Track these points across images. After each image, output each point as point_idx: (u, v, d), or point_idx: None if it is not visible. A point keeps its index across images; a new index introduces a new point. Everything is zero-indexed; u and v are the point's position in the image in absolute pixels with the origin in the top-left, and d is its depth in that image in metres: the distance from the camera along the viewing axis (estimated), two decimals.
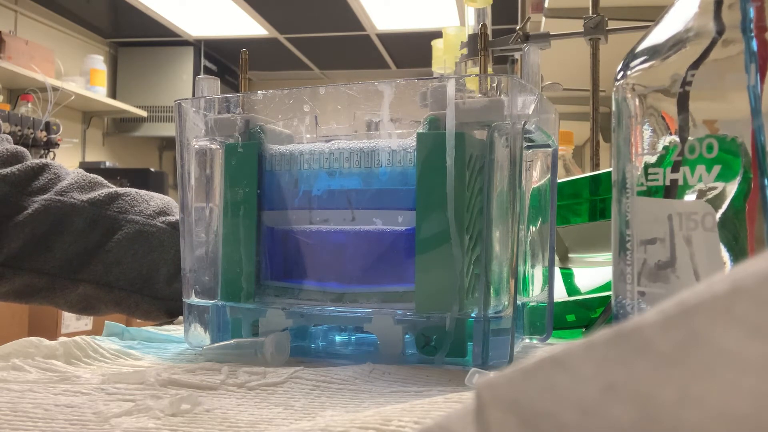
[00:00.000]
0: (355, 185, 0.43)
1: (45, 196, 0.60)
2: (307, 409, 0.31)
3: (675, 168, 0.28)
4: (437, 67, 1.47)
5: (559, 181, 0.57)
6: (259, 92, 0.46)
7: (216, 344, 0.44)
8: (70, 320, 2.15)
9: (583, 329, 0.51)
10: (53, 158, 2.75)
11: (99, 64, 3.51)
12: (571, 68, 1.68)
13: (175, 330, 0.54)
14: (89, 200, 0.61)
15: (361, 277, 0.43)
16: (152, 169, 3.52)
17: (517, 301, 0.41)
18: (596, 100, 1.14)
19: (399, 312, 0.41)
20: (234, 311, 0.45)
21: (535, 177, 0.48)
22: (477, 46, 0.88)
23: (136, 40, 3.93)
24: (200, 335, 0.47)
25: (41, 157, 1.89)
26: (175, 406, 0.30)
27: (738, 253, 0.27)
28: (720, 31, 0.27)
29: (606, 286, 0.56)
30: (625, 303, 0.30)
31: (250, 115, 0.46)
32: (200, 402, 0.31)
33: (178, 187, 0.49)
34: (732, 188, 0.27)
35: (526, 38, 1.18)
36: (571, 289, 0.60)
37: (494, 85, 0.41)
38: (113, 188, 0.64)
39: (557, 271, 0.59)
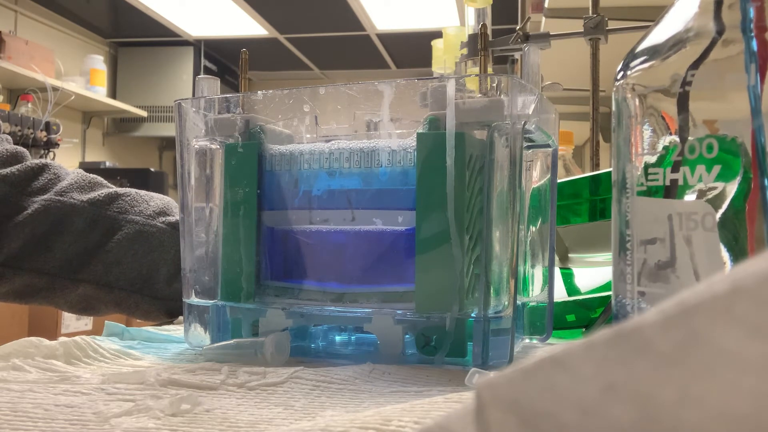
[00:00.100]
0: (355, 185, 0.43)
1: (45, 197, 0.60)
2: (307, 409, 0.31)
3: (675, 168, 0.28)
4: (437, 67, 1.47)
5: (559, 181, 0.57)
6: (259, 92, 0.46)
7: (216, 344, 0.44)
8: (70, 320, 2.15)
9: (583, 329, 0.51)
10: (53, 158, 2.75)
11: (99, 64, 3.51)
12: (571, 68, 1.68)
13: (175, 330, 0.54)
14: (89, 200, 0.61)
15: (361, 277, 0.43)
16: (152, 169, 3.52)
17: (517, 301, 0.41)
18: (596, 100, 1.14)
19: (399, 312, 0.41)
20: (234, 311, 0.45)
21: (535, 177, 0.48)
22: (477, 46, 0.88)
23: (136, 40, 3.93)
24: (200, 335, 0.47)
25: (41, 157, 1.89)
26: (175, 406, 0.30)
27: (738, 253, 0.27)
28: (720, 31, 0.27)
29: (606, 286, 0.56)
30: (625, 303, 0.30)
31: (250, 115, 0.46)
32: (200, 402, 0.31)
33: (178, 187, 0.49)
34: (732, 188, 0.27)
35: (526, 38, 1.18)
36: (571, 289, 0.60)
37: (494, 85, 0.41)
38: (113, 188, 0.64)
39: (557, 271, 0.59)
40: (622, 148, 0.31)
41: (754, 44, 0.26)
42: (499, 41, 1.22)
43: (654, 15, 0.32)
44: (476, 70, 1.24)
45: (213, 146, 0.48)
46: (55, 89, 2.83)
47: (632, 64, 0.30)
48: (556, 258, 0.61)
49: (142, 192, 0.65)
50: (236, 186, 0.46)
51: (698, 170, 0.27)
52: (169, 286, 0.61)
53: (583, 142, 2.47)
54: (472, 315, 0.40)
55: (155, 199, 0.64)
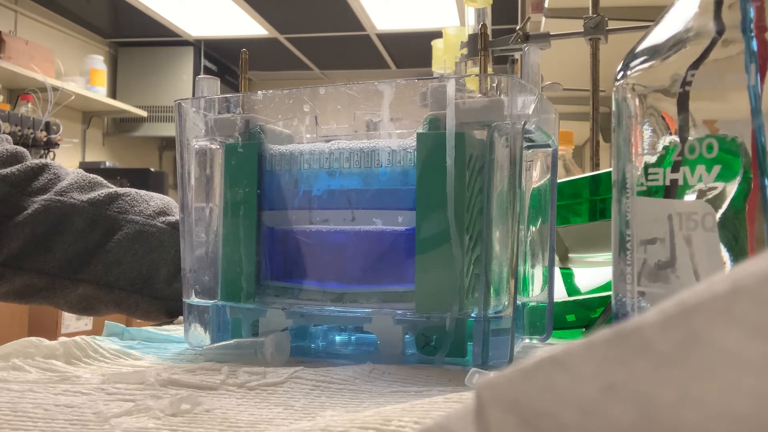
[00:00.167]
0: (355, 185, 0.43)
1: (45, 197, 0.60)
2: (307, 409, 0.31)
3: (675, 168, 0.28)
4: (437, 67, 1.47)
5: (559, 181, 0.57)
6: (259, 92, 0.46)
7: (216, 344, 0.44)
8: (70, 320, 2.15)
9: (583, 329, 0.51)
10: (53, 158, 2.75)
11: (99, 64, 3.51)
12: (571, 68, 1.68)
13: (175, 330, 0.54)
14: (89, 200, 0.61)
15: (361, 277, 0.43)
16: (152, 169, 3.52)
17: (517, 301, 0.41)
18: (596, 100, 1.14)
19: (399, 312, 0.41)
20: (234, 311, 0.45)
21: (535, 177, 0.48)
22: (477, 46, 0.88)
23: (136, 40, 3.93)
24: (200, 335, 0.47)
25: (41, 157, 1.89)
26: (175, 406, 0.30)
27: (738, 253, 0.27)
28: (720, 31, 0.27)
29: (606, 286, 0.56)
30: (625, 303, 0.30)
31: (250, 115, 0.46)
32: (200, 402, 0.31)
33: (178, 187, 0.49)
34: (732, 188, 0.27)
35: (526, 38, 1.18)
36: (571, 289, 0.60)
37: (494, 85, 0.41)
38: (113, 188, 0.64)
39: (557, 271, 0.59)
40: (622, 148, 0.31)
41: (754, 44, 0.26)
42: (499, 41, 1.22)
43: (654, 15, 0.32)
44: (476, 70, 1.24)
45: (213, 146, 0.48)
46: (55, 89, 2.83)
47: (632, 64, 0.30)
48: (556, 258, 0.61)
49: (142, 192, 0.65)
50: (236, 186, 0.46)
51: (698, 170, 0.27)
52: (169, 286, 0.61)
53: (583, 142, 2.47)
54: (472, 315, 0.40)
55: (155, 199, 0.64)
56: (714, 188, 0.27)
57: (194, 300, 0.47)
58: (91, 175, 0.64)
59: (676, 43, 0.28)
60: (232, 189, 0.46)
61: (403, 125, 0.43)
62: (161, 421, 0.29)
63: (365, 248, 0.43)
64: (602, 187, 0.61)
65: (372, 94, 0.43)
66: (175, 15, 3.54)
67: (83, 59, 3.52)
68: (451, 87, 0.41)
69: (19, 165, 0.61)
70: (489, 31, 0.47)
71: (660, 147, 0.29)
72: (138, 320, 0.64)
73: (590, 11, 1.13)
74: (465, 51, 1.26)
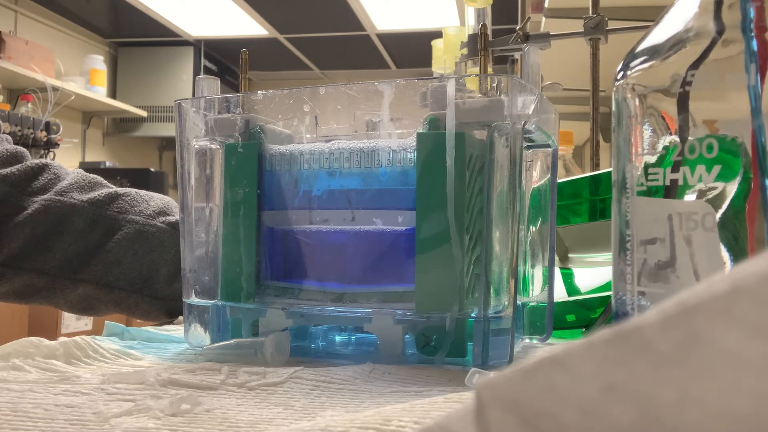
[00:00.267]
0: (355, 185, 0.43)
1: (45, 196, 0.60)
2: (307, 409, 0.31)
3: (675, 168, 0.28)
4: (437, 67, 1.47)
5: (559, 181, 0.57)
6: (259, 92, 0.46)
7: (216, 344, 0.44)
8: (70, 320, 2.15)
9: (583, 329, 0.51)
10: (53, 158, 2.75)
11: (99, 64, 3.51)
12: (571, 68, 1.68)
13: (175, 330, 0.54)
14: (89, 200, 0.61)
15: (361, 277, 0.43)
16: (152, 169, 3.52)
17: (517, 301, 0.41)
18: (596, 100, 1.14)
19: (399, 312, 0.41)
20: (234, 311, 0.45)
21: (535, 177, 0.48)
22: (477, 46, 0.88)
23: (136, 40, 3.93)
24: (200, 335, 0.47)
25: (41, 157, 1.89)
26: (175, 406, 0.30)
27: (738, 253, 0.27)
28: (720, 31, 0.27)
29: (606, 286, 0.56)
30: (625, 303, 0.30)
31: (250, 115, 0.46)
32: (200, 402, 0.31)
33: (178, 187, 0.49)
34: (732, 188, 0.27)
35: (526, 38, 1.18)
36: (571, 289, 0.60)
37: (494, 85, 0.41)
38: (113, 188, 0.64)
39: (557, 271, 0.59)
40: (622, 148, 0.31)
41: (754, 44, 0.26)
42: (499, 41, 1.22)
43: (654, 15, 0.32)
44: (476, 70, 1.24)
45: (213, 146, 0.48)
46: (55, 89, 2.83)
47: (632, 64, 0.30)
48: (556, 258, 0.61)
49: (142, 192, 0.65)
50: (236, 186, 0.46)
51: (698, 170, 0.27)
52: (169, 286, 0.61)
53: (583, 142, 2.47)
54: (472, 315, 0.40)
55: (155, 199, 0.64)
56: (714, 188, 0.27)
57: (194, 300, 0.47)
58: (91, 175, 0.64)
59: (676, 43, 0.28)
60: (232, 189, 0.46)
61: (403, 125, 0.43)
62: (161, 421, 0.29)
63: (365, 248, 0.43)
64: (602, 187, 0.61)
65: (372, 94, 0.43)
66: (175, 15, 3.54)
67: (83, 59, 3.53)
68: (451, 87, 0.41)
69: (19, 165, 0.61)
70: (489, 31, 0.47)
71: (660, 147, 0.29)
72: (138, 320, 0.64)
73: (590, 11, 1.13)
74: (465, 51, 1.26)
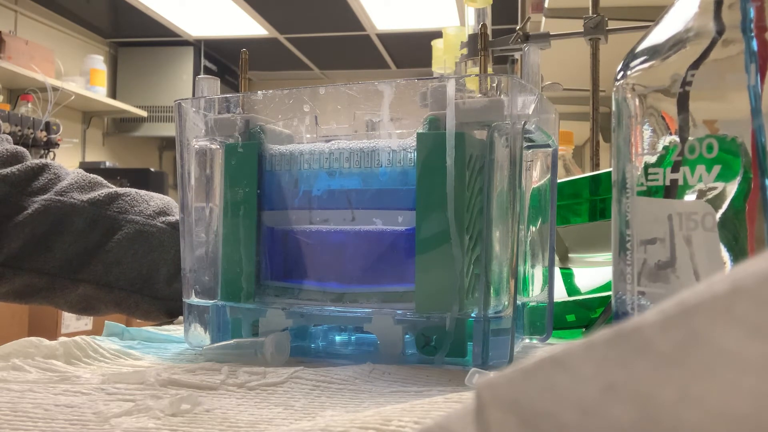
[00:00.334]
0: (355, 185, 0.43)
1: (45, 196, 0.60)
2: (307, 409, 0.31)
3: (675, 168, 0.28)
4: (437, 67, 1.47)
5: (559, 181, 0.57)
6: (259, 92, 0.46)
7: (216, 344, 0.44)
8: (70, 320, 2.15)
9: (583, 329, 0.51)
10: (53, 158, 2.75)
11: (99, 64, 3.51)
12: (571, 68, 1.68)
13: (175, 330, 0.54)
14: (89, 200, 0.61)
15: (361, 277, 0.43)
16: (152, 169, 3.52)
17: (517, 301, 0.41)
18: (596, 100, 1.14)
19: (399, 312, 0.41)
20: (234, 311, 0.45)
21: (535, 177, 0.48)
22: (477, 46, 0.88)
23: (136, 40, 3.93)
24: (200, 335, 0.47)
25: (41, 157, 1.90)
26: (175, 406, 0.30)
27: (738, 253, 0.27)
28: (720, 31, 0.27)
29: (606, 286, 0.56)
30: (625, 303, 0.30)
31: (250, 115, 0.46)
32: (200, 402, 0.31)
33: (178, 187, 0.49)
34: (732, 188, 0.27)
35: (526, 38, 1.18)
36: (571, 289, 0.60)
37: (494, 85, 0.41)
38: (113, 188, 0.64)
39: (557, 271, 0.59)
40: (622, 148, 0.31)
41: (754, 44, 0.26)
42: (499, 41, 1.22)
43: (654, 15, 0.32)
44: (476, 70, 1.24)
45: (213, 146, 0.48)
46: (55, 89, 2.83)
47: (632, 64, 0.30)
48: (556, 258, 0.61)
49: (142, 192, 0.65)
50: (236, 186, 0.46)
51: (698, 170, 0.27)
52: (169, 286, 0.61)
53: (583, 142, 2.47)
54: (472, 315, 0.40)
55: (155, 199, 0.64)
56: (714, 188, 0.27)
57: (194, 300, 0.47)
58: (91, 175, 0.64)
59: (676, 43, 0.28)
60: (232, 189, 0.46)
61: (403, 125, 0.43)
62: (161, 421, 0.29)
63: (365, 248, 0.43)
64: (602, 187, 0.61)
65: (372, 94, 0.43)
66: (175, 15, 3.54)
67: (83, 59, 3.53)
68: (451, 87, 0.41)
69: (20, 165, 0.61)
70: (489, 31, 0.47)
71: (660, 147, 0.29)
72: (138, 320, 0.64)
73: (590, 11, 1.13)
74: (465, 51, 1.26)
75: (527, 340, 0.48)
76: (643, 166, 0.29)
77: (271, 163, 0.46)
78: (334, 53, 4.18)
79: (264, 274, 0.45)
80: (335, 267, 0.44)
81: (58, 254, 0.60)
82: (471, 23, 1.28)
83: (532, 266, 0.48)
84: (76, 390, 0.34)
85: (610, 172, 0.53)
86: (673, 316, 0.12)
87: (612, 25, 1.14)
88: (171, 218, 0.62)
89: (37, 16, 3.35)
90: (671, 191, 0.28)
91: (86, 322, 2.19)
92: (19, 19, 3.24)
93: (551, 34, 1.19)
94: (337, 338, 0.45)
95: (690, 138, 0.28)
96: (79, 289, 0.60)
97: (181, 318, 0.55)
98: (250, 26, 3.67)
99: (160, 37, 3.87)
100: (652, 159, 0.29)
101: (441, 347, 0.40)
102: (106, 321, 0.52)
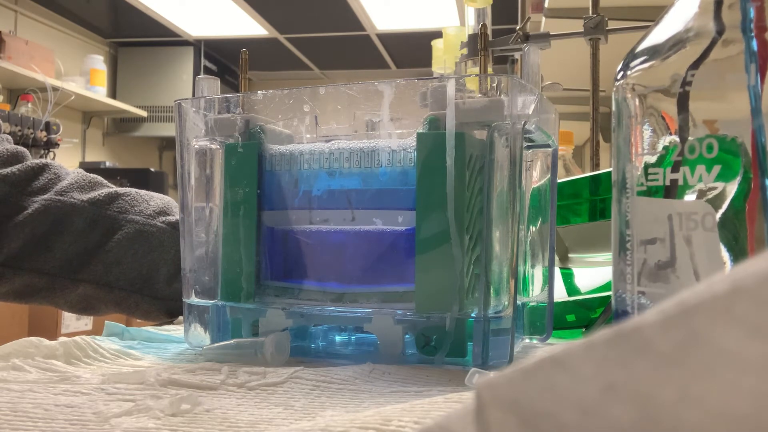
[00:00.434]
0: (355, 185, 0.43)
1: (45, 196, 0.60)
2: (307, 409, 0.31)
3: (675, 168, 0.28)
4: (437, 67, 1.47)
5: (559, 181, 0.57)
6: (259, 92, 0.46)
7: (216, 344, 0.44)
8: (70, 320, 2.15)
9: (583, 329, 0.51)
10: (53, 158, 2.75)
11: (99, 64, 3.51)
12: (571, 68, 1.68)
13: (175, 330, 0.54)
14: (89, 200, 0.61)
15: (361, 277, 0.43)
16: (152, 169, 3.52)
17: (517, 301, 0.41)
18: (596, 100, 1.14)
19: (399, 312, 0.41)
20: (234, 311, 0.45)
21: (535, 177, 0.48)
22: (477, 46, 0.88)
23: (136, 40, 3.93)
24: (200, 335, 0.47)
25: (41, 157, 1.90)
26: (175, 406, 0.30)
27: (738, 253, 0.27)
28: (720, 31, 0.27)
29: (606, 286, 0.56)
30: (625, 303, 0.30)
31: (250, 115, 0.46)
32: (200, 402, 0.31)
33: (178, 187, 0.49)
34: (732, 188, 0.27)
35: (526, 38, 1.18)
36: (571, 289, 0.60)
37: (494, 85, 0.41)
38: (113, 188, 0.64)
39: (557, 271, 0.59)
40: (622, 148, 0.31)
41: (754, 44, 0.26)
42: (499, 41, 1.22)
43: (654, 15, 0.32)
44: (476, 70, 1.24)
45: (213, 146, 0.48)
46: (55, 89, 2.83)
47: (632, 64, 0.30)
48: (556, 258, 0.61)
49: (142, 192, 0.65)
50: (236, 186, 0.46)
51: (698, 170, 0.27)
52: (169, 286, 0.61)
53: (583, 142, 2.47)
54: (472, 315, 0.40)
55: (155, 199, 0.64)
56: (714, 188, 0.27)
57: (194, 300, 0.47)
58: (92, 175, 0.64)
59: (676, 43, 0.28)
60: (232, 189, 0.46)
61: (403, 125, 0.43)
62: (161, 421, 0.29)
63: (365, 248, 0.43)
64: (602, 187, 0.61)
65: (372, 94, 0.43)
66: (175, 15, 3.54)
67: (83, 59, 3.53)
68: (451, 87, 0.41)
69: (20, 165, 0.61)
70: (489, 31, 0.47)
71: (660, 147, 0.29)
72: (138, 320, 0.64)
73: (590, 11, 1.13)
74: (465, 51, 1.26)
75: (527, 340, 0.48)
76: (643, 166, 0.29)
77: (271, 163, 0.46)
78: (334, 53, 4.18)
79: (264, 274, 0.45)
80: (335, 267, 0.44)
81: (58, 254, 0.60)
82: (471, 23, 1.28)
83: (532, 266, 0.48)
84: (76, 390, 0.34)
85: (610, 172, 0.53)
86: (673, 316, 0.12)
87: (612, 25, 1.14)
88: (171, 218, 0.62)
89: (37, 16, 3.35)
90: (671, 191, 0.28)
91: (86, 322, 2.19)
92: (19, 19, 3.24)
93: (551, 34, 1.19)
94: (337, 338, 0.45)
95: (690, 138, 0.28)
96: (79, 289, 0.60)
97: (181, 318, 0.55)
98: (250, 26, 3.67)
99: (160, 37, 3.87)
100: (652, 159, 0.29)
101: (441, 347, 0.40)
102: (106, 321, 0.52)
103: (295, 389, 0.35)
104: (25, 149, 0.64)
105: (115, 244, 0.60)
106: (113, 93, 3.89)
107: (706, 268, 0.27)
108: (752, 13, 0.26)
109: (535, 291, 0.48)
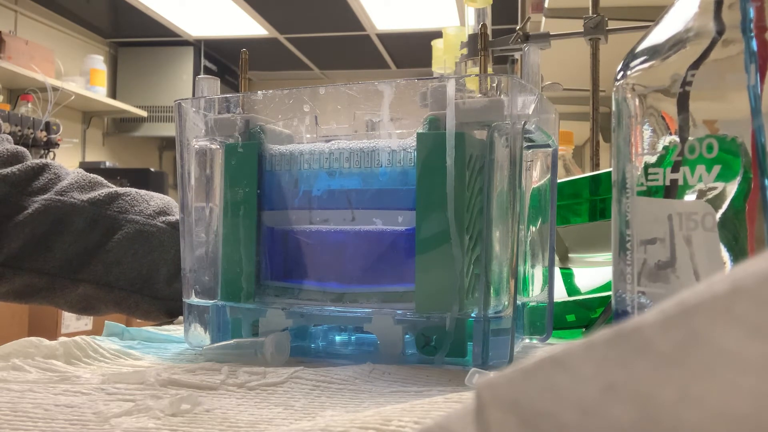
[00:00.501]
0: (355, 185, 0.43)
1: (45, 196, 0.60)
2: (307, 409, 0.31)
3: (675, 168, 0.28)
4: (437, 67, 1.47)
5: (559, 181, 0.57)
6: (259, 92, 0.46)
7: (216, 344, 0.44)
8: (70, 320, 2.15)
9: (583, 329, 0.51)
10: (53, 158, 2.75)
11: (99, 64, 3.51)
12: (571, 68, 1.68)
13: (175, 330, 0.54)
14: (89, 200, 0.61)
15: (361, 277, 0.43)
16: (152, 169, 3.52)
17: (517, 301, 0.41)
18: (596, 100, 1.14)
19: (399, 312, 0.41)
20: (234, 311, 0.45)
21: (535, 177, 0.48)
22: (477, 46, 0.88)
23: (136, 40, 3.93)
24: (200, 335, 0.47)
25: (41, 157, 1.89)
26: (175, 406, 0.30)
27: (738, 253, 0.27)
28: (720, 31, 0.27)
29: (606, 286, 0.56)
30: (625, 303, 0.30)
31: (250, 115, 0.46)
32: (200, 402, 0.31)
33: (178, 187, 0.49)
34: (732, 188, 0.27)
35: (526, 38, 1.18)
36: (571, 289, 0.60)
37: (494, 85, 0.41)
38: (113, 188, 0.64)
39: (557, 271, 0.59)
40: (622, 148, 0.31)
41: (754, 44, 0.26)
42: (499, 41, 1.22)
43: (654, 15, 0.32)
44: (476, 70, 1.24)
45: (213, 146, 0.48)
46: (55, 89, 2.83)
47: (632, 64, 0.30)
48: (556, 258, 0.61)
49: (143, 192, 0.65)
50: (236, 186, 0.46)
51: (698, 170, 0.27)
52: (169, 286, 0.61)
53: (583, 142, 2.47)
54: (472, 315, 0.40)
55: (155, 199, 0.64)
56: (714, 188, 0.27)
57: (194, 300, 0.47)
58: (92, 175, 0.64)
59: (676, 43, 0.28)
60: (232, 189, 0.46)
61: (403, 125, 0.43)
62: (161, 421, 0.29)
63: (365, 248, 0.43)
64: (602, 187, 0.61)
65: (372, 94, 0.43)
66: (175, 15, 3.54)
67: (83, 59, 3.53)
68: (451, 87, 0.41)
69: (20, 165, 0.61)
70: (489, 31, 0.47)
71: (660, 147, 0.29)
72: (138, 320, 0.64)
73: (590, 11, 1.13)
74: (465, 51, 1.26)
75: (527, 340, 0.48)
76: (643, 166, 0.29)
77: (271, 163, 0.46)
78: (334, 53, 4.18)
79: (264, 274, 0.46)
80: (335, 267, 0.44)
81: (58, 254, 0.60)
82: (471, 23, 1.28)
83: (532, 266, 0.48)
84: (76, 390, 0.34)
85: (610, 172, 0.53)
86: (673, 316, 0.12)
87: (612, 25, 1.14)
88: (171, 218, 0.62)
89: (37, 16, 3.35)
90: (671, 191, 0.28)
91: (86, 322, 2.19)
92: (19, 19, 3.24)
93: (551, 34, 1.19)
94: (337, 338, 0.45)
95: (690, 138, 0.28)
96: (79, 289, 0.60)
97: (181, 318, 0.55)
98: (250, 26, 3.67)
99: (160, 37, 3.87)
100: (652, 159, 0.29)
101: (441, 347, 0.40)
102: (106, 321, 0.52)
103: (295, 389, 0.35)
104: (25, 149, 0.64)
105: (115, 244, 0.60)
106: (113, 93, 3.89)
107: (706, 268, 0.27)
108: (752, 13, 0.26)
109: (535, 291, 0.48)
